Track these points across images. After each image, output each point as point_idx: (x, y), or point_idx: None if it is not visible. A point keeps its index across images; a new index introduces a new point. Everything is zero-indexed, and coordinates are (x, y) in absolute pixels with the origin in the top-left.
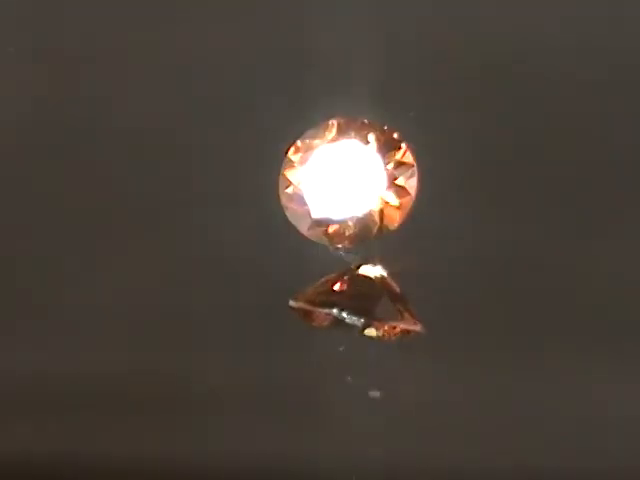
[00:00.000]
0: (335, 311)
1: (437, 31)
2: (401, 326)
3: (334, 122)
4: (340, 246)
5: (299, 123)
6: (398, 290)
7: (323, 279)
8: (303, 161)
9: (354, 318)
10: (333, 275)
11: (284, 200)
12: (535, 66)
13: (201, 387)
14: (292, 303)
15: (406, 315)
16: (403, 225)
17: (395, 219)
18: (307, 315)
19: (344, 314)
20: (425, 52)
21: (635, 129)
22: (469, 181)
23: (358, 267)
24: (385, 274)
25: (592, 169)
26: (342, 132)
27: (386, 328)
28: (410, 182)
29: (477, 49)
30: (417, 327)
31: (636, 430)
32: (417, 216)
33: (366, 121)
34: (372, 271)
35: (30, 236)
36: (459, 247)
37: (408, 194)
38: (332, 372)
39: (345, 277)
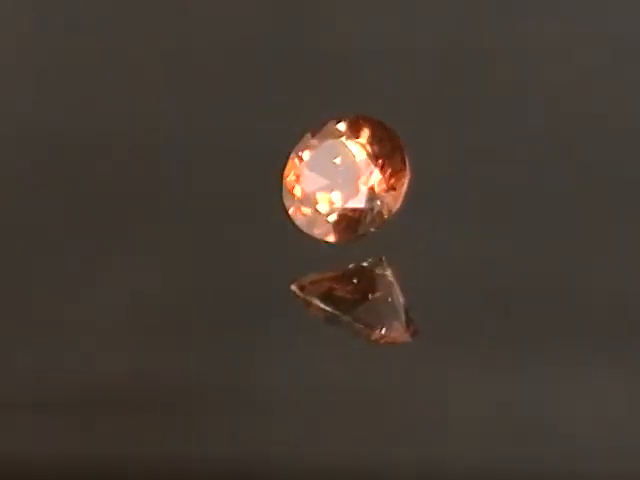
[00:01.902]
0: (326, 307)
1: (439, 32)
2: (388, 335)
3: (347, 118)
4: (326, 239)
5: (299, 123)
6: (401, 297)
7: (330, 271)
8: (313, 147)
9: (337, 315)
10: (340, 270)
11: (287, 183)
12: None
13: (200, 387)
14: (293, 287)
15: (398, 324)
16: (391, 225)
17: (383, 218)
18: (304, 302)
19: (333, 313)
20: (427, 55)
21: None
22: (468, 183)
23: (366, 266)
24: (392, 278)
25: (592, 174)
26: (349, 129)
27: (373, 334)
28: (400, 184)
29: (479, 51)
30: (405, 338)
31: (637, 430)
32: (411, 216)
33: (371, 121)
34: (378, 272)
35: (30, 236)
36: (453, 248)
37: (398, 194)
38: (332, 372)
39: (350, 274)
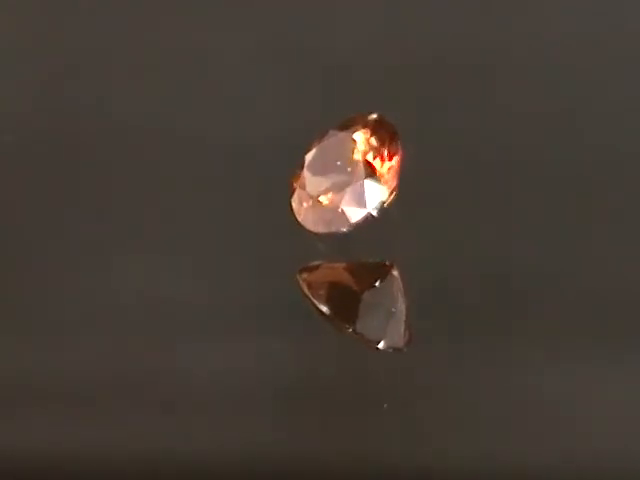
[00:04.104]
0: (323, 307)
1: (438, 32)
2: (382, 340)
3: (363, 115)
4: (310, 228)
5: (299, 123)
6: (402, 301)
7: (333, 263)
8: (328, 138)
9: (329, 313)
10: (342, 264)
11: (305, 170)
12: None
13: (199, 386)
14: (298, 277)
15: (393, 329)
16: (390, 224)
17: (374, 215)
18: (302, 293)
19: (325, 310)
20: (425, 53)
21: (631, 130)
22: (467, 181)
23: (370, 264)
24: (396, 280)
25: (591, 171)
26: (363, 125)
27: (365, 337)
28: (395, 182)
29: (477, 51)
30: (399, 344)
31: (636, 430)
32: (411, 215)
33: (382, 120)
34: (382, 273)
35: (29, 236)
36: (449, 248)
37: (392, 193)
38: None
39: (351, 271)
